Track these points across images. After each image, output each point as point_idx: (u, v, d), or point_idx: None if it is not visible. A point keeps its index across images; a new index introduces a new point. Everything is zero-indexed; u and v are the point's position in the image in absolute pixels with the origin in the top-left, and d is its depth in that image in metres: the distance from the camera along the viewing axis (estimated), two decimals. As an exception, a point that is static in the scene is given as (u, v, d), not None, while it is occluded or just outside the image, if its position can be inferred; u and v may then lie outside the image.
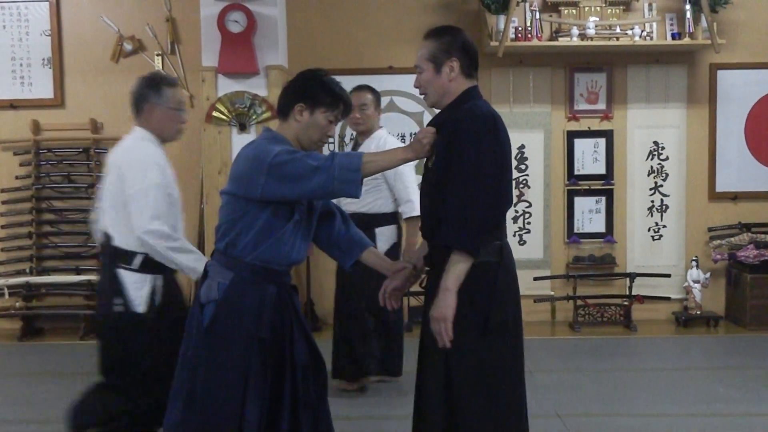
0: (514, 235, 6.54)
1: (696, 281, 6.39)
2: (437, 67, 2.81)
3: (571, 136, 6.58)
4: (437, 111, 2.91)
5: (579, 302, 6.33)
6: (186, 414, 2.82)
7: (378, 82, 6.52)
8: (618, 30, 6.28)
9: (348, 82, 6.44)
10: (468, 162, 2.61)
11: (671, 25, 6.43)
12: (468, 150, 2.63)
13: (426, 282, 2.90)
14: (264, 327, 2.82)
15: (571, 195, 6.63)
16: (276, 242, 2.83)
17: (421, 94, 2.90)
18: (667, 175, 6.63)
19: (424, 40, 2.86)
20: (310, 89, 2.87)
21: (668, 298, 6.53)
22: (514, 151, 6.40)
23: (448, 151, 2.67)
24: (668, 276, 6.46)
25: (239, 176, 2.81)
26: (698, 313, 6.40)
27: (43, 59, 6.56)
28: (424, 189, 2.87)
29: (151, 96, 3.37)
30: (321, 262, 6.39)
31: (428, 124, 2.86)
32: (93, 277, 6.37)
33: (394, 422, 4.20)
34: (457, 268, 2.59)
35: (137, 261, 3.28)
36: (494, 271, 2.68)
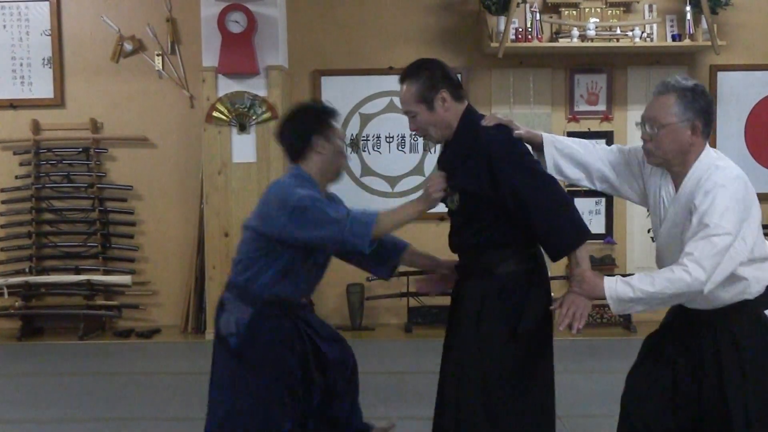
0: (514, 236, 6.53)
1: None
2: (429, 105, 2.75)
3: (572, 137, 6.56)
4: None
5: (579, 303, 6.32)
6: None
7: (378, 82, 6.56)
8: (618, 31, 6.27)
9: (348, 83, 6.57)
10: (537, 176, 2.69)
11: (671, 26, 6.43)
12: (528, 167, 2.71)
13: (455, 288, 2.95)
14: (287, 357, 2.94)
15: (571, 196, 6.61)
16: (295, 279, 2.93)
17: (421, 136, 2.87)
18: (667, 176, 6.62)
19: (402, 84, 2.81)
20: (320, 121, 2.94)
21: (668, 300, 6.52)
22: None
23: (503, 182, 2.65)
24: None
25: (264, 215, 2.89)
26: (698, 314, 6.38)
27: (44, 59, 6.56)
28: (455, 227, 2.87)
29: None
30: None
31: (440, 161, 2.87)
32: (92, 277, 6.38)
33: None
34: (587, 257, 2.71)
35: None
36: (528, 277, 2.78)
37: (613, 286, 2.54)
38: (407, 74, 2.81)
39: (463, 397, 2.72)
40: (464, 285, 2.85)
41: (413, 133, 2.88)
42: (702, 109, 2.62)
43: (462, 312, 2.80)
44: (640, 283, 2.50)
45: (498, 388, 2.70)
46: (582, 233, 2.68)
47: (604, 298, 2.57)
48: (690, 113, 2.60)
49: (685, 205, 2.59)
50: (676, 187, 2.66)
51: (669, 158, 2.64)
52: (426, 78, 2.76)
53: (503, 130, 2.77)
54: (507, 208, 2.67)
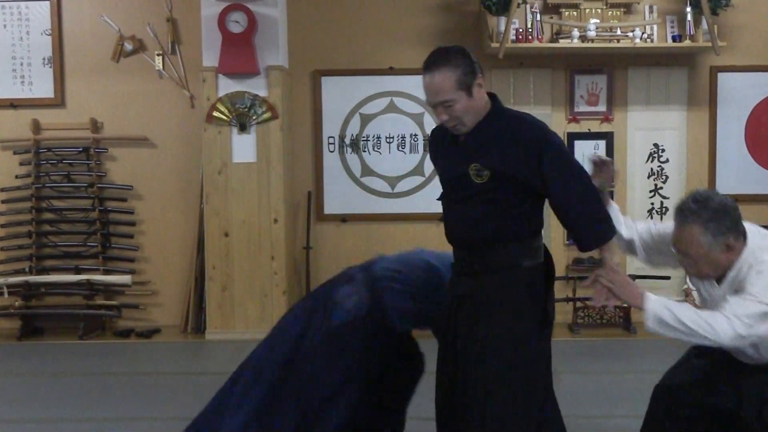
0: (514, 237, 6.53)
1: (695, 283, 6.37)
2: (468, 91, 2.66)
3: (572, 137, 6.57)
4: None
5: (578, 304, 6.32)
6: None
7: (378, 82, 6.56)
8: (618, 32, 6.27)
9: (348, 83, 6.56)
10: (582, 170, 2.76)
11: (672, 27, 6.43)
12: (572, 160, 2.77)
13: (460, 287, 2.92)
14: (363, 369, 3.01)
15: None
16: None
17: (450, 126, 2.72)
18: (667, 177, 6.63)
19: (437, 72, 2.64)
20: None
21: (668, 301, 6.52)
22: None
23: (549, 169, 2.69)
24: (668, 278, 6.45)
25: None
26: (698, 315, 6.38)
27: (44, 59, 6.55)
28: (472, 220, 2.80)
29: None
30: (319, 253, 6.37)
31: (464, 144, 2.77)
32: (92, 277, 6.38)
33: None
34: (614, 256, 2.78)
35: None
36: (546, 268, 2.92)
37: (653, 308, 2.57)
38: (442, 61, 2.64)
39: (492, 397, 2.72)
40: (480, 280, 2.79)
41: (445, 121, 2.71)
42: (730, 226, 2.63)
43: (482, 309, 2.76)
44: (679, 313, 2.54)
45: (525, 373, 2.81)
46: (612, 227, 2.82)
47: (637, 307, 2.63)
48: (720, 237, 2.62)
49: (731, 288, 2.66)
50: (719, 280, 2.73)
51: (713, 275, 2.71)
52: (465, 64, 2.65)
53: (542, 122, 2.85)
54: (545, 195, 2.74)
